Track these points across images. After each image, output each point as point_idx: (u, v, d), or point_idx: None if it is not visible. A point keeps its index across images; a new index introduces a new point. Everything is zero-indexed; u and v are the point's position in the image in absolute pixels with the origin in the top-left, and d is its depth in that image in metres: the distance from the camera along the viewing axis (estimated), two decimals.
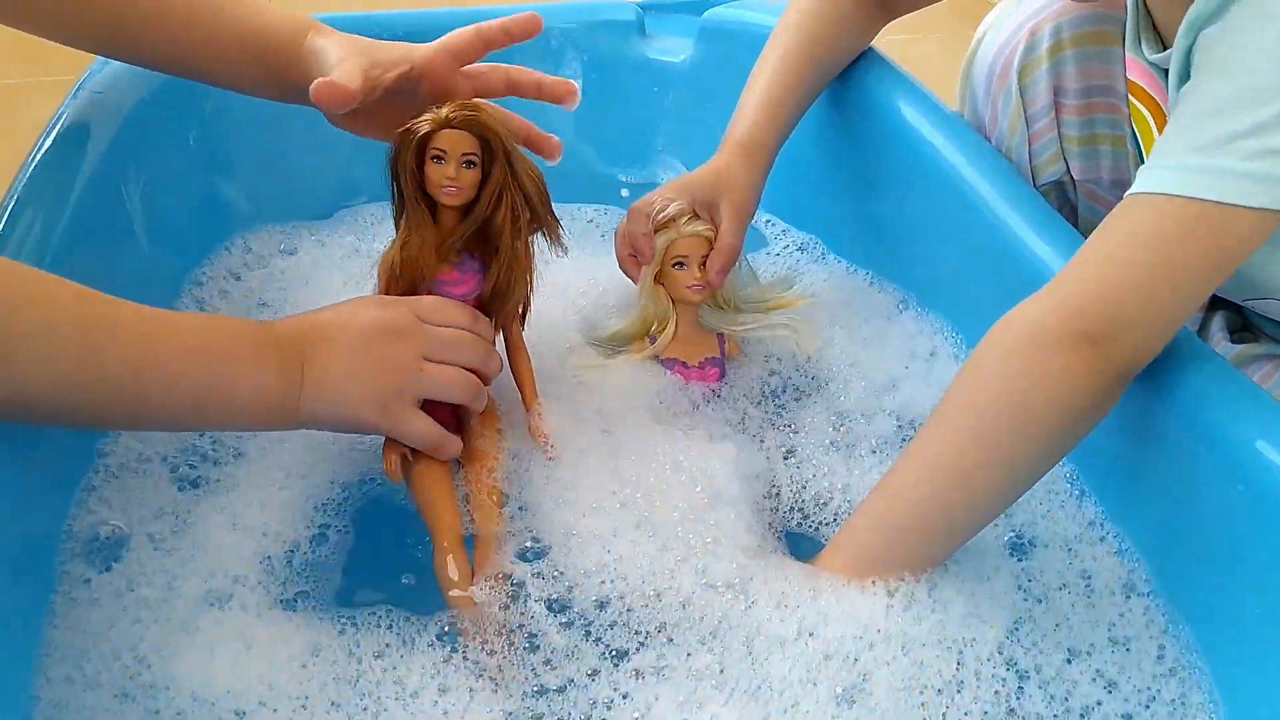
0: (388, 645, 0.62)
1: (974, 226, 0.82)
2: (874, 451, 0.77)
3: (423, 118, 0.68)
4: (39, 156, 0.76)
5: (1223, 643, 0.62)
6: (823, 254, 0.98)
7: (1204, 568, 0.63)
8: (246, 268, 0.93)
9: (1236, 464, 0.61)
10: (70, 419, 0.60)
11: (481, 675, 0.61)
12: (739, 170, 0.82)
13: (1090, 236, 0.64)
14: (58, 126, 0.81)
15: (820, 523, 0.73)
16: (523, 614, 0.64)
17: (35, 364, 0.55)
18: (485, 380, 0.70)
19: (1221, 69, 0.62)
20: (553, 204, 0.72)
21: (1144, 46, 0.74)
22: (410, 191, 0.69)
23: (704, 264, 0.78)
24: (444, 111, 0.67)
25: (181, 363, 0.60)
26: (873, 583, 0.63)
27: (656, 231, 0.78)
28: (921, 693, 0.59)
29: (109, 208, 0.82)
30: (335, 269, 0.94)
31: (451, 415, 0.70)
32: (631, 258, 0.80)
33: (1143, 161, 0.80)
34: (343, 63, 0.68)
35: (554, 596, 0.65)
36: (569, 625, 0.64)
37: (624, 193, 1.05)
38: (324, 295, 0.89)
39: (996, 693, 0.60)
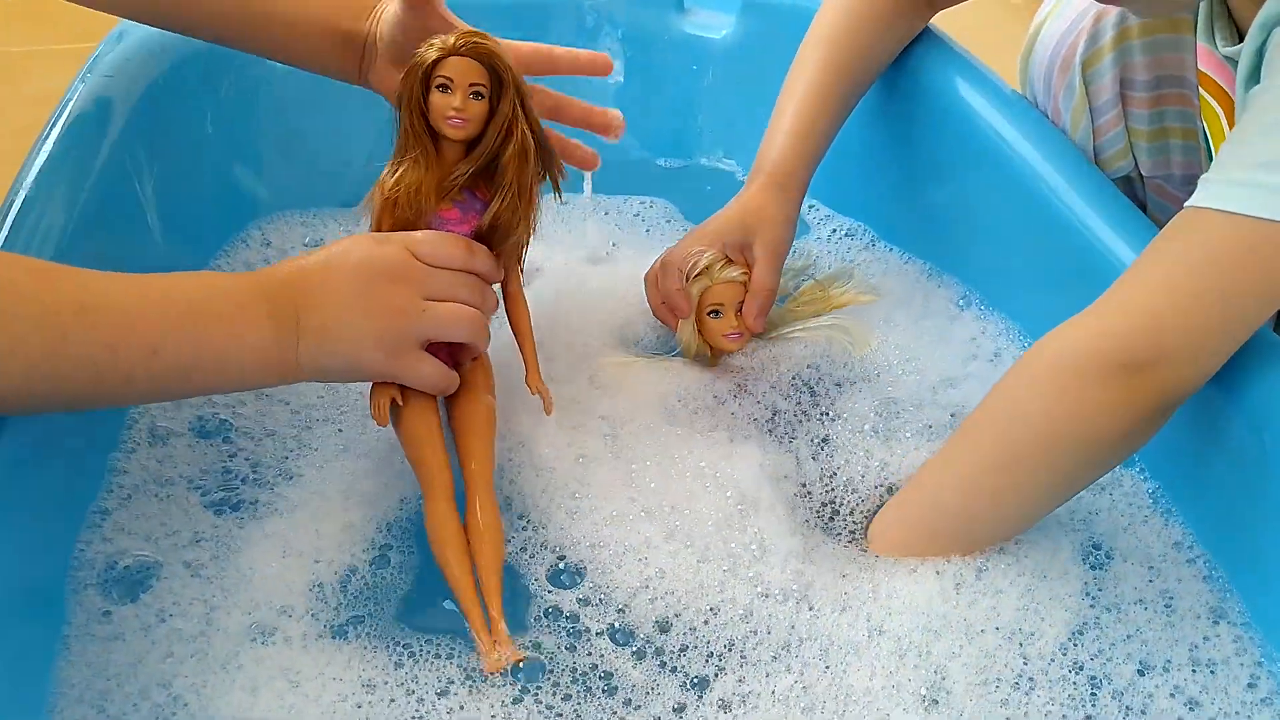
0: (451, 682, 0.60)
1: (1045, 222, 0.78)
2: (920, 434, 0.75)
3: (430, 44, 0.64)
4: (46, 144, 0.73)
5: None
6: (872, 241, 0.94)
7: None
8: (266, 262, 0.89)
9: None
10: (49, 406, 0.58)
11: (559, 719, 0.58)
12: (771, 206, 0.80)
13: (1140, 254, 0.62)
14: (65, 111, 0.77)
15: (855, 506, 0.71)
16: (590, 652, 0.62)
17: None
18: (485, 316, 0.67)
19: None
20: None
21: (1217, 38, 0.71)
22: (413, 122, 0.65)
23: (740, 310, 0.77)
24: (452, 39, 0.64)
25: (162, 332, 0.57)
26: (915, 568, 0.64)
27: (689, 280, 0.77)
28: (997, 688, 0.59)
29: (119, 197, 0.78)
30: None
31: (448, 355, 0.67)
32: (664, 305, 0.80)
33: (1212, 157, 0.76)
34: None
35: (613, 624, 0.63)
36: (640, 657, 0.62)
37: (662, 163, 1.03)
38: None
39: (1071, 696, 0.59)
